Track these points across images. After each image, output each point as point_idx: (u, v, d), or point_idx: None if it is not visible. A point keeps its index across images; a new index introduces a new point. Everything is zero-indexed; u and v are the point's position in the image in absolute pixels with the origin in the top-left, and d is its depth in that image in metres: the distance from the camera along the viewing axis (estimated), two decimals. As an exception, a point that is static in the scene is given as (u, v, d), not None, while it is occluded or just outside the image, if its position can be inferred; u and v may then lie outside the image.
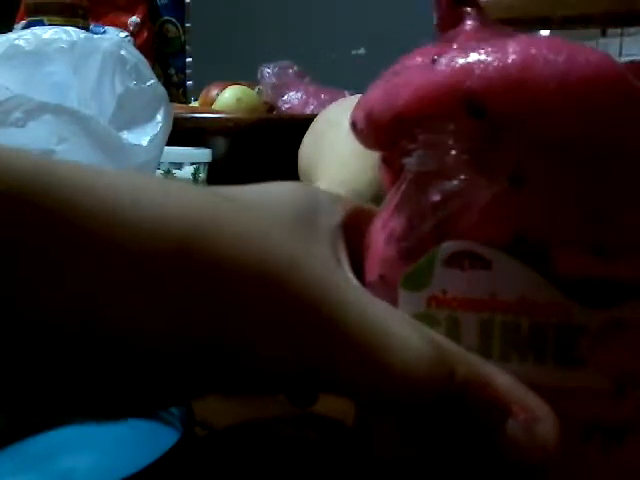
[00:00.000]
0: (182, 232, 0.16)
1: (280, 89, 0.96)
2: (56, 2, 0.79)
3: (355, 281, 0.20)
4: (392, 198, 0.21)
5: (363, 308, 0.18)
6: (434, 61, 0.19)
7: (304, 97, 0.95)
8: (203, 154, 0.74)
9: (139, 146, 0.54)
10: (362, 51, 1.57)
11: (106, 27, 1.03)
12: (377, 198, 0.57)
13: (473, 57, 0.18)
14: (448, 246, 0.19)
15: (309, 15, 1.66)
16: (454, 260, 0.19)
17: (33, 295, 0.14)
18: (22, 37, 0.55)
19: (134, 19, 1.12)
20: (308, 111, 0.92)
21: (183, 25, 1.19)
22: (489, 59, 0.18)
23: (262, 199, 0.21)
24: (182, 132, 0.64)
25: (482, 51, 0.18)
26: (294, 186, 0.22)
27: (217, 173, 0.76)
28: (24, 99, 0.50)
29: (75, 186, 0.15)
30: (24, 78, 0.53)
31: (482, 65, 0.18)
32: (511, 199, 0.19)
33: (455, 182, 0.19)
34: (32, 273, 0.14)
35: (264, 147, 0.82)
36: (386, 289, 0.20)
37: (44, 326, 0.15)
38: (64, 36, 0.55)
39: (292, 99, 0.95)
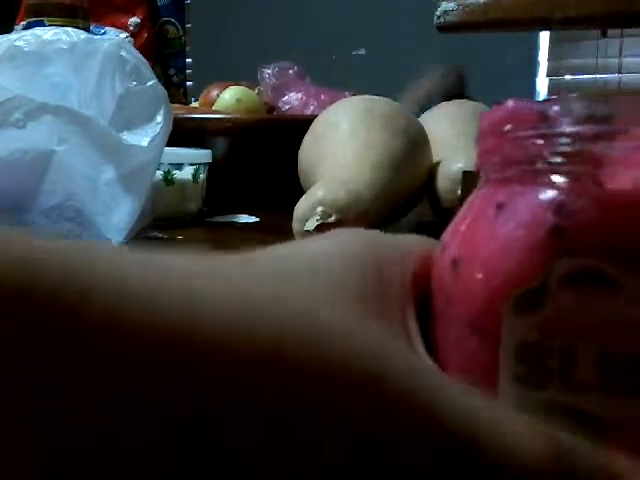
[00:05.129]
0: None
1: (280, 90, 0.96)
2: (56, 3, 0.79)
3: (431, 363, 0.17)
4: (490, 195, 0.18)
5: (460, 400, 0.15)
6: None
7: (304, 98, 0.95)
8: (203, 155, 0.74)
9: (139, 147, 0.54)
10: (362, 51, 1.57)
11: (106, 28, 1.03)
12: (377, 198, 0.57)
13: None
14: (567, 263, 0.16)
15: (309, 15, 1.66)
16: (574, 280, 0.16)
17: None
18: (22, 38, 0.55)
19: (134, 20, 1.12)
20: (308, 112, 0.92)
21: (183, 26, 1.19)
22: None
23: (315, 268, 0.16)
24: (182, 133, 0.64)
25: None
26: (348, 250, 0.18)
27: (217, 174, 0.76)
28: (24, 100, 0.50)
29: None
30: (24, 79, 0.53)
31: None
32: None
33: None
34: None
35: (264, 148, 0.82)
36: (488, 316, 0.17)
37: None
38: (64, 37, 0.55)
39: (292, 100, 0.95)
